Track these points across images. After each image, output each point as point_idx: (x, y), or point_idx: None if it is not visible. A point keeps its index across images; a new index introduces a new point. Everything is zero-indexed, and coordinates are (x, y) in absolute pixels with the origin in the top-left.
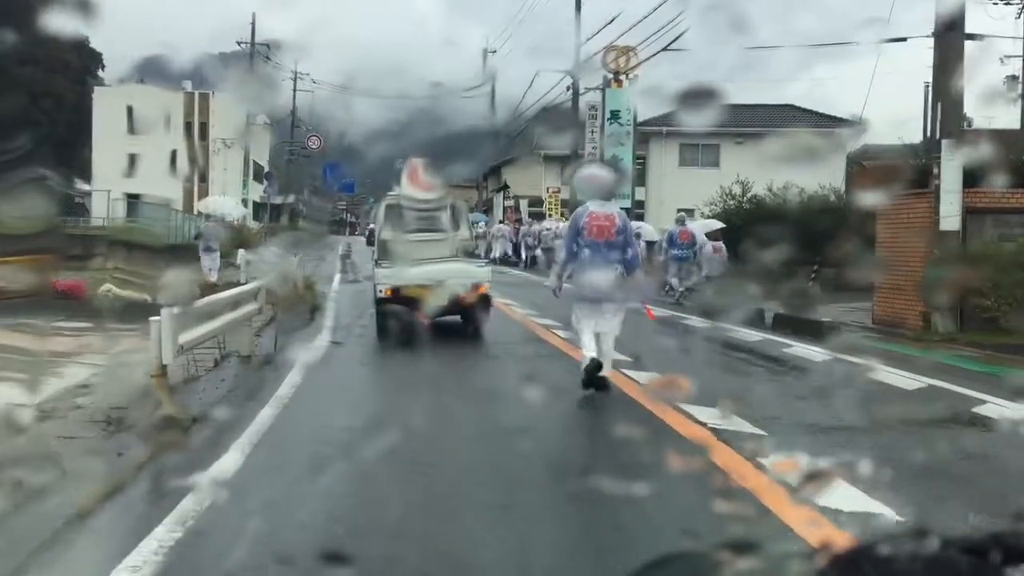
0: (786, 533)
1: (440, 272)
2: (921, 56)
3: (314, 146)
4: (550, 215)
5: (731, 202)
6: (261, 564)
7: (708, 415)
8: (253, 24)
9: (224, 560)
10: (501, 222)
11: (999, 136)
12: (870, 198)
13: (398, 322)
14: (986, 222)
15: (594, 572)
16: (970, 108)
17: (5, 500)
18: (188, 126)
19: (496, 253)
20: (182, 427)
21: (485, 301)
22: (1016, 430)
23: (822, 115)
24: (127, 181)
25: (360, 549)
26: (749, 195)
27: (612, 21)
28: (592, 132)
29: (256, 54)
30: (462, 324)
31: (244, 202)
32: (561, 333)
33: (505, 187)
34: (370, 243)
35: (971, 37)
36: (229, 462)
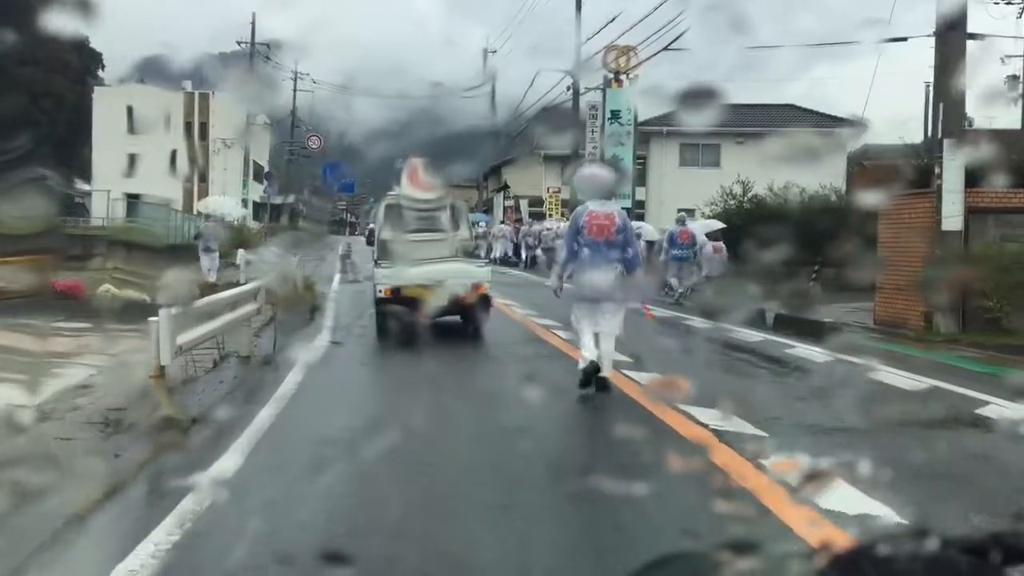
0: (786, 533)
1: (440, 272)
2: (922, 56)
3: (314, 146)
4: (550, 215)
5: (732, 202)
6: (261, 564)
7: (709, 416)
8: (253, 24)
9: (224, 560)
10: (502, 223)
11: (1001, 136)
12: (871, 198)
13: (398, 322)
14: (988, 222)
15: (594, 572)
16: (971, 108)
17: (5, 500)
18: (188, 126)
19: (497, 253)
20: (181, 428)
21: (485, 301)
22: (1017, 430)
23: (823, 115)
24: (127, 181)
25: (360, 549)
26: (750, 195)
27: (612, 21)
28: (592, 132)
29: (256, 54)
30: (462, 324)
31: (244, 202)
32: (561, 333)
33: (505, 187)
34: (370, 243)
35: (972, 37)
36: (228, 462)
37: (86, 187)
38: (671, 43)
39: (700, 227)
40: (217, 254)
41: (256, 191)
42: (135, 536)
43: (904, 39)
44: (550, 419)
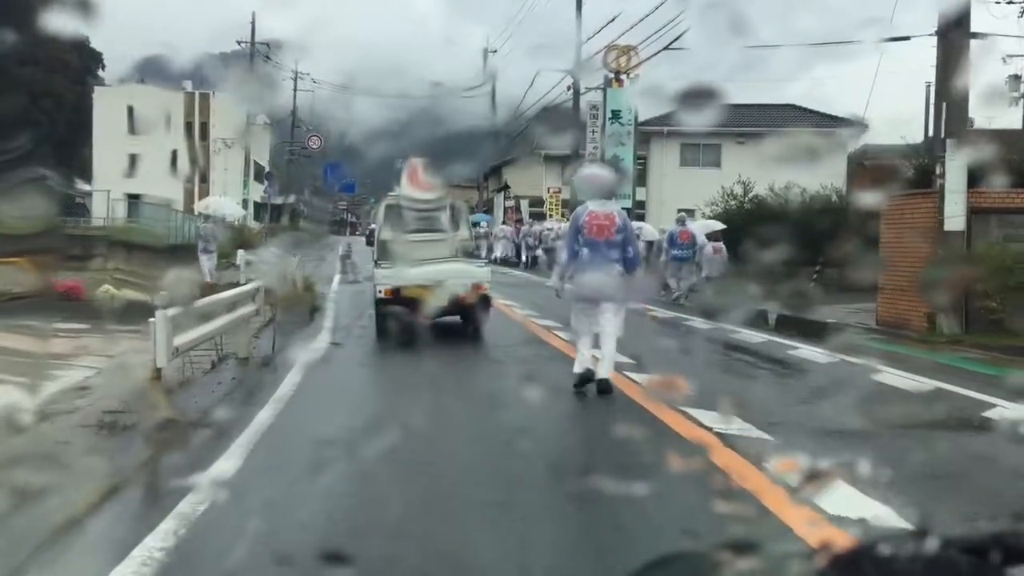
0: (786, 533)
1: (440, 272)
2: (922, 55)
3: (314, 146)
4: (551, 215)
5: (732, 202)
6: (261, 564)
7: (712, 418)
8: (253, 24)
9: (224, 560)
10: (504, 223)
11: (1003, 136)
12: (872, 198)
13: (398, 323)
14: (991, 222)
15: (594, 572)
16: (972, 108)
17: (5, 500)
18: (188, 126)
19: (497, 253)
20: (178, 429)
21: (485, 301)
22: (1020, 432)
23: (823, 115)
24: (127, 181)
25: (360, 549)
26: (751, 195)
27: (612, 20)
28: (593, 132)
29: (256, 54)
30: (462, 324)
31: (244, 202)
32: (562, 334)
33: (506, 187)
34: (370, 243)
35: (974, 36)
36: (227, 463)
37: (86, 187)
38: (671, 43)
39: (700, 227)
40: (215, 255)
41: (256, 191)
42: (134, 536)
43: (906, 38)
44: (550, 419)
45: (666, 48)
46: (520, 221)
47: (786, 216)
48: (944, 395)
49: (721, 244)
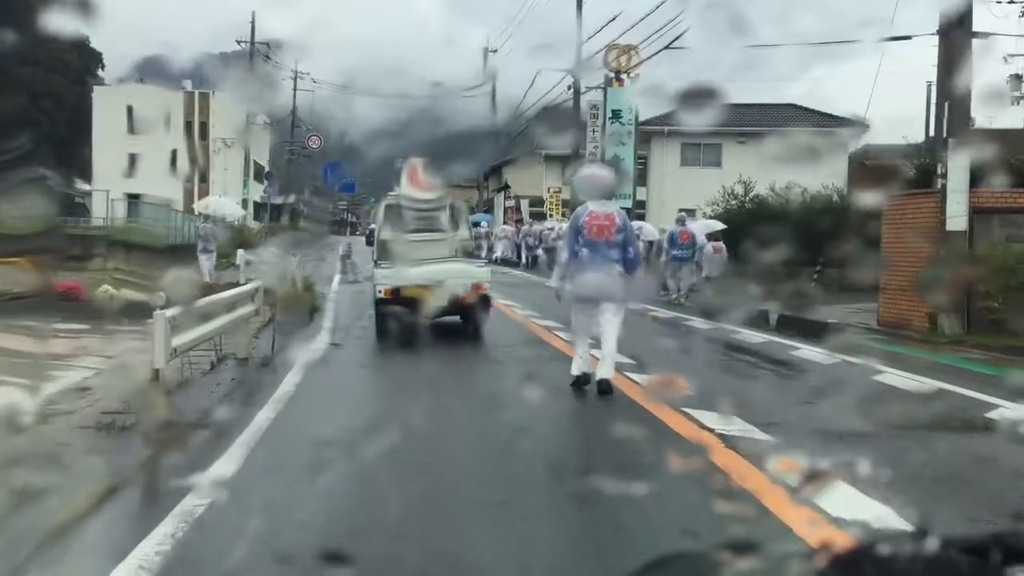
0: (786, 533)
1: (440, 272)
2: (923, 55)
3: (314, 146)
4: (551, 215)
5: (733, 202)
6: (261, 564)
7: (714, 419)
8: (253, 23)
9: (224, 560)
10: (505, 223)
11: (1005, 136)
12: (874, 198)
13: (398, 323)
14: (993, 222)
15: (594, 572)
16: (973, 107)
17: (5, 501)
18: (188, 126)
19: (498, 253)
20: (177, 430)
21: (485, 301)
22: (1020, 432)
23: (824, 114)
24: (127, 181)
25: (360, 549)
26: (751, 195)
27: (613, 20)
28: (593, 132)
29: (256, 53)
30: (462, 325)
31: (244, 202)
32: (563, 335)
33: (506, 187)
34: (370, 243)
35: (976, 35)
36: (227, 464)
37: (86, 187)
38: (672, 42)
39: (700, 227)
40: (214, 255)
41: (256, 191)
42: (134, 537)
43: (908, 37)
44: (550, 419)
45: (666, 48)
46: (520, 221)
47: (787, 216)
48: (945, 396)
49: (721, 244)
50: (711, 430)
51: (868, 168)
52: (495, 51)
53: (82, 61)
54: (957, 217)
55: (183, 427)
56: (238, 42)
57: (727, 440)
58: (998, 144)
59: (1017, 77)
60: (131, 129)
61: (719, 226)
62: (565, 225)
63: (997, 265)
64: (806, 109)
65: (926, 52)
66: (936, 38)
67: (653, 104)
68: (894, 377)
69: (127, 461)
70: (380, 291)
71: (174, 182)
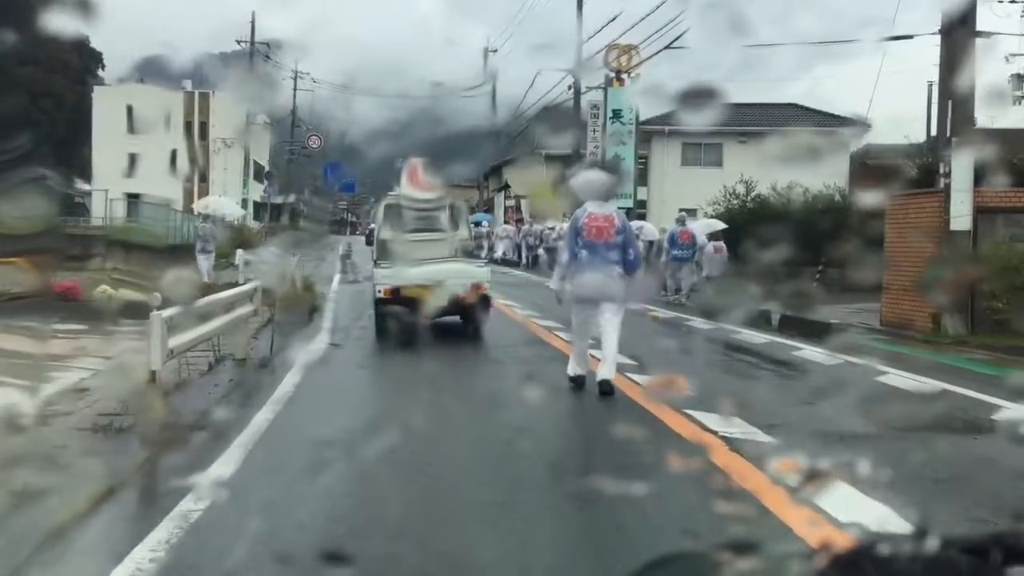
0: (786, 533)
1: (439, 272)
2: (924, 54)
3: (314, 146)
4: None
5: (735, 202)
6: (260, 564)
7: (715, 420)
8: (253, 23)
9: (223, 560)
10: (506, 223)
11: (1006, 136)
12: (875, 197)
13: (397, 323)
14: (997, 222)
15: (594, 572)
16: (976, 107)
17: (4, 501)
18: (188, 126)
19: (499, 253)
20: (175, 431)
21: (485, 301)
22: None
23: (825, 114)
24: (127, 181)
25: (360, 549)
26: (753, 195)
27: (613, 20)
28: (594, 131)
29: (256, 53)
30: (462, 325)
31: (244, 202)
32: (563, 335)
33: (506, 187)
34: (369, 243)
35: (979, 34)
36: (225, 465)
37: (86, 187)
38: (672, 42)
39: (701, 227)
40: (213, 255)
41: (256, 191)
42: (132, 539)
43: (909, 37)
44: (550, 419)
45: (667, 48)
46: (521, 221)
47: (789, 216)
48: (948, 396)
49: (722, 243)
50: (713, 432)
51: (869, 168)
52: (495, 51)
53: (82, 61)
54: (961, 217)
55: (181, 428)
56: (238, 42)
57: (728, 441)
58: (1002, 143)
59: (1019, 77)
60: (131, 129)
61: (720, 226)
62: (566, 225)
63: (1001, 265)
64: (807, 109)
65: (927, 52)
66: (937, 37)
67: (654, 104)
68: (897, 378)
69: (124, 463)
70: (380, 291)
71: (174, 182)
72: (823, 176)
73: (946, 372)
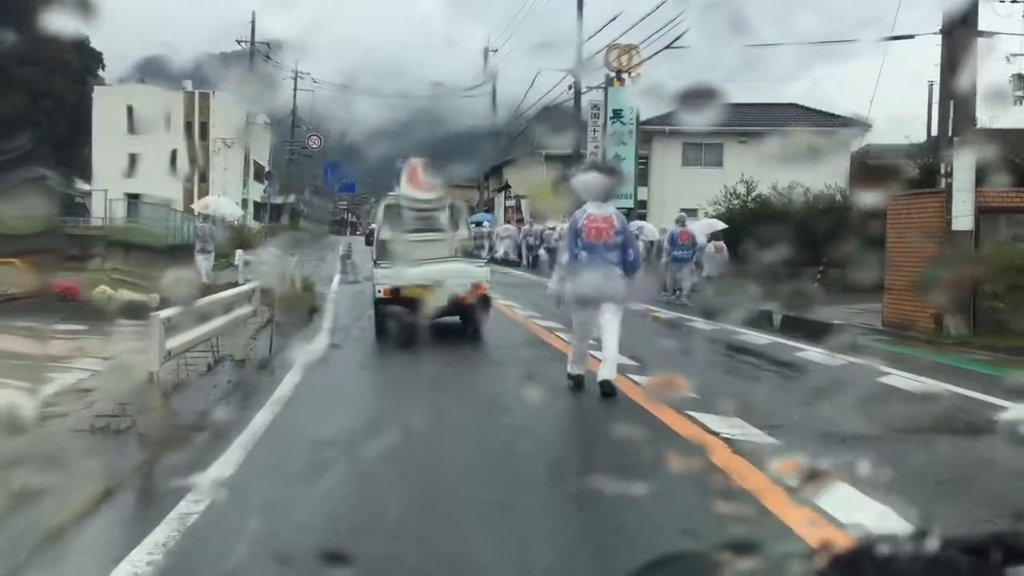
0: (786, 533)
1: (439, 272)
2: (924, 55)
3: (314, 146)
4: None
5: (735, 202)
6: (260, 565)
7: (715, 421)
8: (253, 23)
9: (223, 560)
10: (507, 223)
11: (1007, 136)
12: (876, 197)
13: (397, 323)
14: (999, 222)
15: (594, 572)
16: (977, 106)
17: (4, 502)
18: (188, 126)
19: (499, 253)
20: (172, 433)
21: (485, 301)
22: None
23: (826, 114)
24: (127, 181)
25: (360, 549)
26: (753, 195)
27: (613, 20)
28: (594, 131)
29: (256, 53)
30: (462, 325)
31: (244, 202)
32: (564, 336)
33: (507, 187)
34: (369, 243)
35: (980, 34)
36: (225, 465)
37: (86, 187)
38: (672, 42)
39: (701, 227)
40: (212, 255)
41: (256, 191)
42: (131, 539)
43: (911, 36)
44: (550, 420)
45: (667, 47)
46: (521, 221)
47: (789, 216)
48: (949, 397)
49: (722, 243)
50: (715, 433)
51: (870, 168)
52: (495, 51)
53: (82, 61)
54: (963, 217)
55: (180, 429)
56: (238, 42)
57: (728, 442)
58: (1003, 143)
59: (1020, 77)
60: (131, 129)
61: (720, 226)
62: (566, 225)
63: (1003, 265)
64: (808, 109)
65: (927, 51)
66: (938, 37)
67: (654, 104)
68: (898, 378)
69: (122, 463)
70: (380, 291)
71: (174, 182)
72: (824, 176)
73: (948, 373)
